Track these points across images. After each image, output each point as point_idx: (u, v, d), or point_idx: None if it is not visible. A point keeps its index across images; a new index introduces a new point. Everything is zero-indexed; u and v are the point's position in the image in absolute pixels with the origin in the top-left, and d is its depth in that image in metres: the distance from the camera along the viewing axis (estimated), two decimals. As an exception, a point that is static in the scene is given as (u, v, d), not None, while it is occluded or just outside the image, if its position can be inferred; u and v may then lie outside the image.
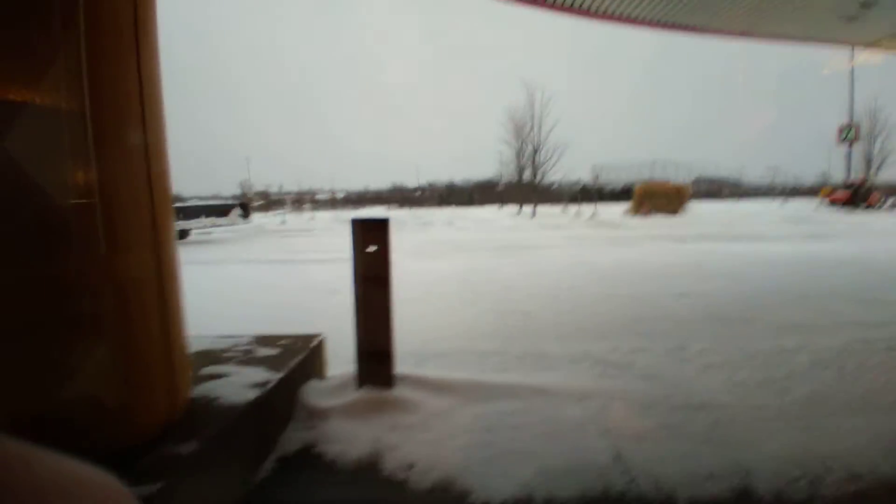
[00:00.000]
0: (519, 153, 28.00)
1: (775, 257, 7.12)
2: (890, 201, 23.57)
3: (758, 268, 6.12)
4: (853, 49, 12.81)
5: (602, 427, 1.92)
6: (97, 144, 1.29)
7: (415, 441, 1.81)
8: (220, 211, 13.71)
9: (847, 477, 1.58)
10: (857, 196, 23.25)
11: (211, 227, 13.71)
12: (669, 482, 1.57)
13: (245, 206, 14.89)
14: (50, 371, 1.25)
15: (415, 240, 11.97)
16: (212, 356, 2.11)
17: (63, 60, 1.23)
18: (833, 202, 23.92)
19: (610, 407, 2.08)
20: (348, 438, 1.84)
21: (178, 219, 12.86)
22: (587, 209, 24.55)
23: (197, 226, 13.30)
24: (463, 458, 1.71)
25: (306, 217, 14.37)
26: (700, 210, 23.90)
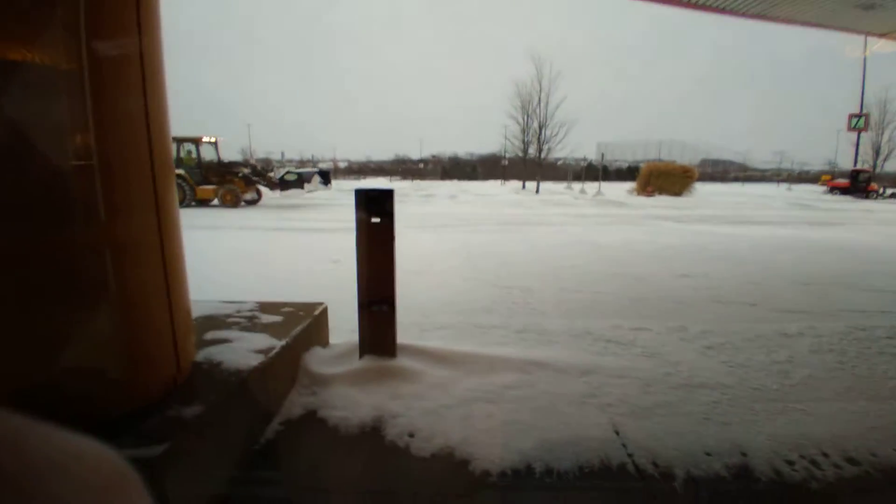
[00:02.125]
0: (524, 128, 27.51)
1: (779, 242, 7.09)
2: (890, 191, 23.86)
3: (761, 251, 6.10)
4: (867, 38, 12.43)
5: (602, 402, 1.94)
6: (95, 105, 1.25)
7: (416, 410, 1.83)
8: (306, 178, 14.29)
9: (844, 460, 1.60)
10: (856, 183, 23.91)
11: (307, 192, 14.28)
12: (667, 458, 1.59)
13: (326, 173, 15.42)
14: (54, 336, 1.25)
15: (417, 212, 11.92)
16: (215, 321, 2.12)
17: (61, 17, 1.18)
18: (833, 188, 25.02)
19: (610, 383, 2.10)
20: (351, 405, 1.86)
21: (274, 184, 13.55)
22: (592, 187, 24.36)
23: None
24: (463, 428, 1.73)
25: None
26: (705, 191, 23.73)
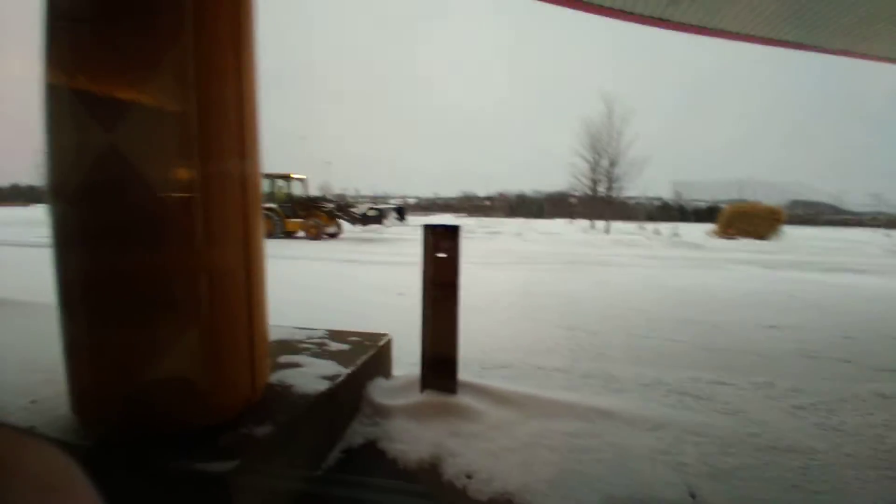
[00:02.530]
0: (594, 166, 27.03)
1: (876, 293, 6.32)
2: None
3: (856, 303, 5.47)
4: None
5: (675, 461, 1.80)
6: (201, 144, 1.40)
7: (475, 450, 1.79)
8: (384, 214, 15.41)
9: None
10: None
11: (386, 227, 15.40)
12: (750, 530, 1.44)
13: (401, 209, 16.40)
14: (149, 349, 1.38)
15: (482, 249, 11.97)
16: (289, 346, 2.23)
17: (170, 62, 1.34)
18: None
19: (685, 440, 1.95)
20: (411, 439, 1.86)
21: (356, 219, 14.79)
22: (666, 228, 23.26)
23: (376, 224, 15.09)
24: (523, 475, 1.66)
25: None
26: (794, 235, 21.84)
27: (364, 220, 14.70)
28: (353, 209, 15.25)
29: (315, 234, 14.36)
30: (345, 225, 15.45)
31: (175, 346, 1.41)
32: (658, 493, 1.60)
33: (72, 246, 1.38)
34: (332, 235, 15.16)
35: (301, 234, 14.56)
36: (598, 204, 27.46)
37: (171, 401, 1.41)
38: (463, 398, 2.14)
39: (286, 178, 14.96)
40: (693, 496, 1.59)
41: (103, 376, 1.38)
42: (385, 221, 14.95)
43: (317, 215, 14.58)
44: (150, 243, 1.37)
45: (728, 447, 1.91)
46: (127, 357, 1.37)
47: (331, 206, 15.07)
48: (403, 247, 12.05)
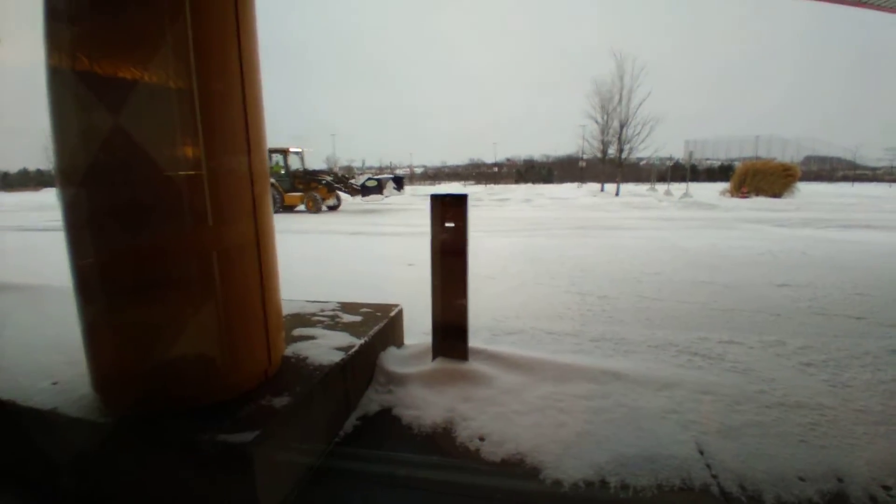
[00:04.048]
0: (604, 128, 26.41)
1: (889, 248, 6.22)
2: None
3: (870, 259, 5.39)
4: None
5: (685, 419, 1.83)
6: (204, 121, 1.39)
7: (487, 414, 1.84)
8: (383, 184, 15.48)
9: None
10: None
11: (385, 197, 15.43)
12: (756, 482, 1.48)
13: (399, 179, 16.46)
14: (165, 330, 1.41)
15: (491, 217, 11.92)
16: (302, 319, 2.28)
17: (170, 41, 1.33)
18: None
19: (695, 399, 1.98)
20: (424, 405, 1.92)
21: (356, 190, 14.79)
22: (678, 188, 22.89)
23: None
24: (535, 436, 1.71)
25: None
26: (809, 192, 21.40)
27: (364, 191, 14.68)
28: (351, 181, 15.21)
29: (314, 208, 14.37)
30: (346, 197, 15.43)
31: (190, 322, 1.44)
32: (667, 450, 1.64)
33: (84, 229, 1.40)
34: (332, 208, 15.16)
35: (301, 207, 14.56)
36: (609, 166, 27.00)
37: (189, 376, 1.45)
38: (474, 364, 2.18)
39: (283, 152, 14.81)
40: (701, 452, 1.62)
41: (123, 355, 1.43)
42: (384, 191, 14.96)
43: (315, 188, 14.56)
44: (160, 222, 1.38)
45: (736, 404, 1.94)
46: (145, 335, 1.41)
47: (328, 178, 14.95)
48: (410, 217, 12.03)
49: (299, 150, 15.34)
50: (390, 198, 15.79)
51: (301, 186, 14.65)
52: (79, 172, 1.35)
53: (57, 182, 1.41)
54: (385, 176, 16.24)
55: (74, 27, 1.30)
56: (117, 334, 1.42)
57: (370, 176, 16.00)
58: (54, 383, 1.60)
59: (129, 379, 1.43)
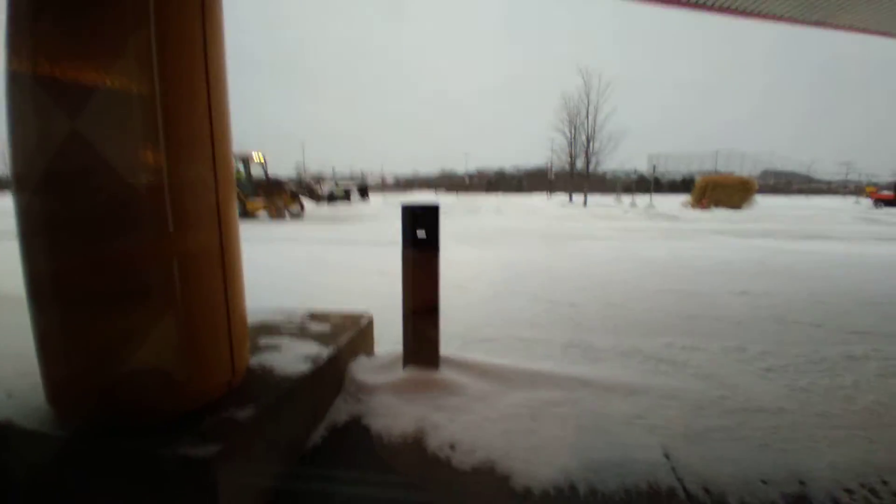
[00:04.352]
0: (571, 141, 27.09)
1: (845, 258, 6.58)
2: None
3: (826, 268, 5.68)
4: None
5: (651, 424, 1.87)
6: (166, 127, 1.35)
7: (458, 422, 1.83)
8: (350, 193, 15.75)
9: (923, 497, 1.46)
10: None
11: (352, 205, 15.63)
12: (720, 485, 1.51)
13: (364, 188, 16.94)
14: (124, 338, 1.35)
15: (462, 226, 11.97)
16: (269, 328, 2.22)
17: (133, 47, 1.29)
18: (878, 200, 24.42)
19: (660, 404, 2.02)
20: (394, 414, 1.89)
21: (321, 197, 14.84)
22: (643, 200, 23.61)
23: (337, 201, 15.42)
24: (505, 443, 1.71)
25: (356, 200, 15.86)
26: (767, 204, 22.43)
27: (330, 198, 14.68)
28: (316, 189, 15.15)
29: (277, 215, 14.23)
30: (311, 206, 15.37)
31: (150, 332, 1.38)
32: (634, 454, 1.66)
33: (39, 236, 1.33)
34: (295, 216, 14.99)
35: (262, 214, 14.41)
36: (577, 178, 27.65)
37: (148, 388, 1.39)
38: (445, 372, 2.17)
39: (245, 159, 14.59)
40: (667, 457, 1.66)
41: (78, 366, 1.35)
42: (350, 200, 15.06)
43: (278, 195, 14.44)
44: (119, 230, 1.32)
45: (701, 409, 1.99)
46: (101, 346, 1.34)
47: (292, 186, 14.87)
48: (381, 225, 11.95)
49: (262, 156, 15.10)
50: (357, 206, 15.84)
51: (263, 193, 14.46)
52: (34, 178, 1.29)
53: (12, 187, 1.34)
54: (351, 184, 16.37)
55: (35, 30, 1.25)
56: (72, 345, 1.35)
57: (336, 183, 16.06)
58: (8, 395, 1.51)
59: (85, 391, 1.36)
